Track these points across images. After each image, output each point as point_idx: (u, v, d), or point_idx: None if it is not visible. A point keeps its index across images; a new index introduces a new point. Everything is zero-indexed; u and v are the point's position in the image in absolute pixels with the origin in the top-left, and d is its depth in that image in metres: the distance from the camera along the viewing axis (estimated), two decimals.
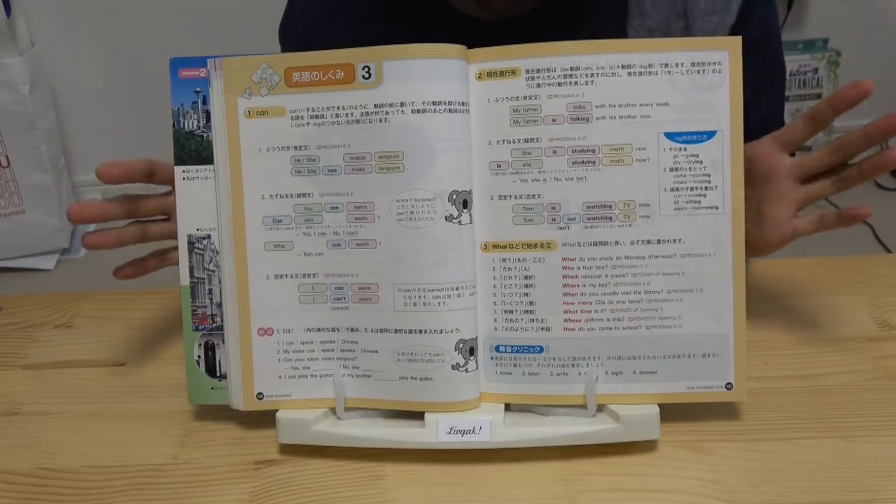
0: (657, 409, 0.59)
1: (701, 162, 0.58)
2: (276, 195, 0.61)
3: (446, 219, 0.59)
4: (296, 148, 0.60)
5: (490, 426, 0.59)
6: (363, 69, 0.59)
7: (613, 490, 0.58)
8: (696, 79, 0.58)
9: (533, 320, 0.61)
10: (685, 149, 0.58)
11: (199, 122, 0.62)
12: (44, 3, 2.04)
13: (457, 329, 0.60)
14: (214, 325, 0.63)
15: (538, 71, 0.59)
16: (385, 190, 0.59)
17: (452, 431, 0.59)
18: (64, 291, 0.82)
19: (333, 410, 0.62)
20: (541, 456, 0.60)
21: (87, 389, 0.70)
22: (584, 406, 0.60)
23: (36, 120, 1.99)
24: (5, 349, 0.76)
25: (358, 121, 0.59)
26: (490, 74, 0.59)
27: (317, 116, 0.60)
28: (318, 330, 0.62)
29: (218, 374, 0.64)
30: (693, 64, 0.58)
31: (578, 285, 0.60)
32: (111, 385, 0.71)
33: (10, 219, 2.08)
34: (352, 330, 0.62)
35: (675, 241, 0.59)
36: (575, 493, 0.58)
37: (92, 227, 0.67)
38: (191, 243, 0.63)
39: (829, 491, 0.57)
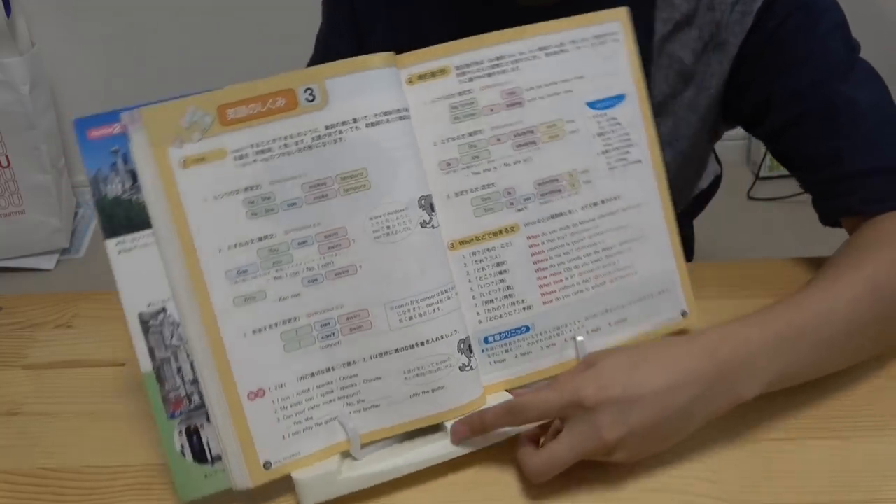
0: None
1: (620, 123, 0.64)
2: (235, 244, 0.56)
3: (422, 225, 0.59)
4: (246, 189, 0.56)
5: None
6: (306, 92, 0.56)
7: (613, 490, 0.58)
8: (600, 50, 0.63)
9: (514, 303, 0.62)
10: (605, 114, 0.63)
11: (123, 184, 0.55)
12: (44, 3, 2.03)
13: (455, 330, 0.60)
14: (192, 405, 0.56)
15: (467, 66, 0.61)
16: (354, 211, 0.57)
17: None
18: (64, 291, 0.82)
19: (346, 454, 0.59)
20: None
21: (87, 389, 0.70)
22: None
23: (36, 120, 1.99)
24: (5, 349, 0.76)
25: (310, 146, 0.56)
26: (421, 77, 0.60)
27: (263, 151, 0.56)
28: (312, 375, 0.58)
29: (209, 458, 0.57)
30: (595, 37, 0.63)
31: (547, 259, 0.63)
32: (111, 385, 0.71)
33: (10, 219, 2.08)
34: (348, 364, 0.59)
35: (615, 198, 0.64)
36: (575, 493, 0.58)
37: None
38: (143, 322, 0.55)
39: (829, 491, 0.57)
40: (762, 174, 2.16)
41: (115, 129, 0.54)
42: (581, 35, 0.63)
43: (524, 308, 0.63)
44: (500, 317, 0.62)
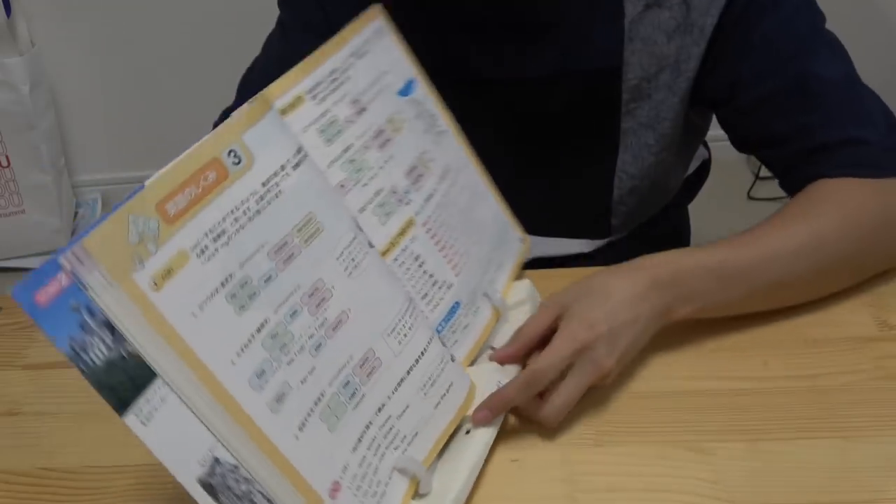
0: (527, 281, 0.73)
1: (422, 103, 0.69)
2: (242, 348, 0.49)
3: (370, 246, 0.59)
4: (222, 284, 0.49)
5: (497, 385, 0.62)
6: (231, 156, 0.51)
7: (613, 490, 0.58)
8: (381, 45, 0.67)
9: (440, 287, 0.65)
10: (411, 98, 0.68)
11: (104, 342, 0.44)
12: (44, 3, 2.03)
13: (433, 330, 0.61)
14: None
15: (315, 87, 0.61)
16: (321, 258, 0.55)
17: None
18: None
19: (414, 494, 0.58)
20: (541, 456, 0.61)
21: (87, 389, 0.69)
22: (499, 318, 0.70)
23: (36, 120, 1.99)
24: (5, 349, 0.76)
25: (258, 211, 0.52)
26: (283, 112, 0.59)
27: (219, 236, 0.49)
28: (360, 440, 0.55)
29: None
30: (374, 34, 0.66)
31: (442, 237, 0.67)
32: None
33: (10, 219, 2.08)
34: (379, 410, 0.57)
35: (449, 166, 0.69)
36: (575, 493, 0.58)
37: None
38: (207, 486, 0.47)
39: (829, 491, 0.57)
40: (762, 174, 2.16)
41: (63, 281, 0.42)
42: (367, 36, 0.65)
43: (448, 288, 0.66)
44: (437, 304, 0.65)
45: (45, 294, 0.42)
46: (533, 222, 0.89)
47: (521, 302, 0.71)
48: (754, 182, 2.16)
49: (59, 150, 2.12)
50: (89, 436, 0.65)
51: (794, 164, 0.75)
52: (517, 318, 0.69)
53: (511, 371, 0.65)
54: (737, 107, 0.75)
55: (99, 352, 0.43)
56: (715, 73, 0.75)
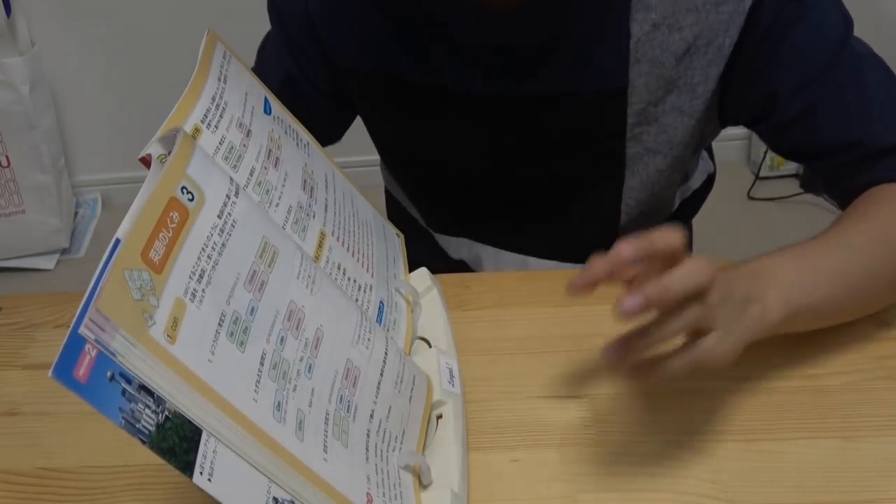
0: (423, 269, 0.76)
1: (283, 119, 0.68)
2: (256, 385, 0.49)
3: (315, 259, 0.60)
4: (220, 324, 0.49)
5: (448, 369, 0.66)
6: (185, 194, 0.49)
7: (613, 490, 0.58)
8: (232, 70, 0.64)
9: (363, 290, 0.67)
10: (274, 116, 0.67)
11: (148, 406, 0.43)
12: (44, 3, 2.03)
13: (384, 330, 0.64)
14: None
15: (205, 116, 0.59)
16: (286, 281, 0.55)
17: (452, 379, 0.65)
18: (64, 291, 0.82)
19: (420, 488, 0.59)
20: (541, 456, 0.61)
21: None
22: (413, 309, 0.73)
23: (36, 120, 1.99)
24: (5, 349, 0.76)
25: (224, 244, 0.51)
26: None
27: (201, 277, 0.48)
28: (367, 449, 0.56)
29: None
30: (223, 58, 0.63)
31: (348, 242, 0.69)
32: None
33: (10, 219, 2.08)
34: (371, 418, 0.57)
35: (326, 175, 0.70)
36: (575, 492, 0.58)
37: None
38: None
39: (829, 491, 0.57)
40: (762, 174, 2.16)
41: (91, 352, 0.41)
42: (219, 60, 0.62)
43: (370, 289, 0.68)
44: (368, 307, 0.66)
45: (81, 371, 0.41)
46: (535, 246, 0.87)
47: (427, 289, 0.74)
48: (754, 182, 2.16)
49: (59, 150, 2.12)
50: (89, 436, 0.65)
51: (843, 174, 0.73)
52: (429, 304, 0.72)
53: (450, 356, 0.67)
54: (777, 122, 0.74)
55: (149, 418, 0.42)
56: (748, 90, 0.74)
